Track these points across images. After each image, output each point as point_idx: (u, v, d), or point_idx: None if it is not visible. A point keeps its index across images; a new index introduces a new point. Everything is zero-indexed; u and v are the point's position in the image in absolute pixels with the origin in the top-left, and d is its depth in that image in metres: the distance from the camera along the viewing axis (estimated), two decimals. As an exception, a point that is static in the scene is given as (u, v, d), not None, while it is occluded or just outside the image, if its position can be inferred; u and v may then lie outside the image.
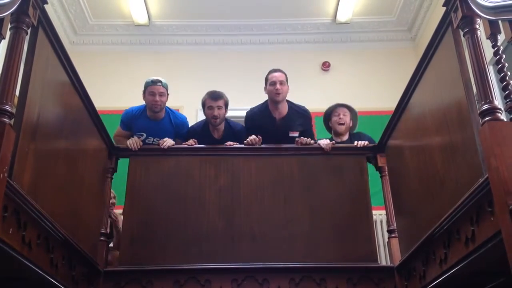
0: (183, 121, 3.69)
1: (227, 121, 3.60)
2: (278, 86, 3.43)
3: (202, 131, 3.57)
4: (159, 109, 3.49)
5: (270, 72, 3.56)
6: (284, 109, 3.55)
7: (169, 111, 3.61)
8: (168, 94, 3.52)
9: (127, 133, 3.60)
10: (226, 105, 3.48)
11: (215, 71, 5.83)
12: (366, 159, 3.33)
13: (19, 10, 1.85)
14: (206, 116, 3.52)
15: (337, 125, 3.65)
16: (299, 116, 3.58)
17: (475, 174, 1.87)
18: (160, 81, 3.47)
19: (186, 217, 3.08)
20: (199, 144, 3.40)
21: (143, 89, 3.50)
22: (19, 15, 1.87)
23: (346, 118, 3.65)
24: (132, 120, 3.59)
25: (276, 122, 3.54)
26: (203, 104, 3.48)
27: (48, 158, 2.22)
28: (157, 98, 3.43)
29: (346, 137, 3.67)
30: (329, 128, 3.78)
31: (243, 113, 3.73)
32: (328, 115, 3.74)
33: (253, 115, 3.62)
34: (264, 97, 3.58)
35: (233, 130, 3.58)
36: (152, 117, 3.53)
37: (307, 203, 3.13)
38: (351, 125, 3.71)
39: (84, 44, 6.03)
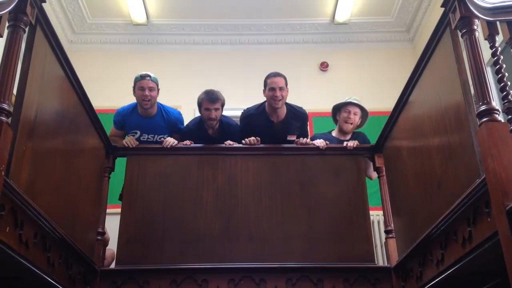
0: (177, 117, 3.67)
1: (221, 116, 3.56)
2: (277, 93, 3.35)
3: (197, 129, 3.54)
4: (149, 105, 3.46)
5: (270, 76, 3.45)
6: (282, 112, 3.49)
7: (161, 107, 3.58)
8: (158, 89, 3.49)
9: (122, 132, 3.61)
10: (223, 105, 3.44)
11: (213, 70, 5.82)
12: (363, 160, 3.34)
13: (17, 8, 1.85)
14: (202, 116, 3.48)
15: (344, 123, 3.58)
16: (297, 119, 3.53)
17: (473, 175, 1.87)
18: (149, 76, 3.43)
19: (183, 216, 3.08)
20: (194, 141, 3.39)
21: (132, 85, 3.48)
22: (17, 13, 1.87)
23: (355, 117, 3.57)
24: (125, 118, 3.57)
25: (274, 126, 3.49)
26: (200, 104, 3.42)
27: (46, 157, 2.22)
28: (147, 92, 3.40)
29: (349, 136, 3.62)
30: (336, 121, 3.70)
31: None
32: (338, 109, 3.64)
33: (249, 117, 3.55)
34: (263, 97, 3.56)
35: (228, 126, 3.56)
36: (144, 114, 3.51)
37: (305, 203, 3.14)
38: (359, 123, 3.64)
39: (82, 43, 6.01)
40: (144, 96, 3.41)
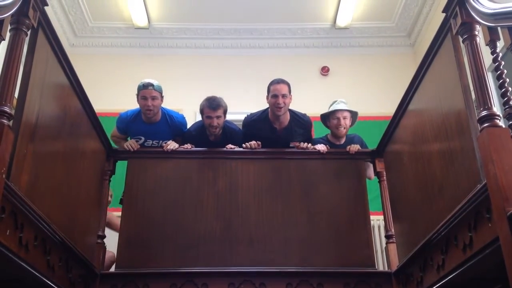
0: (181, 121, 3.63)
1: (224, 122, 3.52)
2: (280, 100, 3.31)
3: (198, 134, 3.51)
4: (152, 114, 3.42)
5: (273, 82, 3.41)
6: (285, 119, 3.46)
7: (165, 113, 3.55)
8: (162, 97, 3.44)
9: (124, 136, 3.59)
10: (225, 112, 3.39)
11: (215, 74, 5.83)
12: (364, 164, 3.34)
13: (19, 11, 1.86)
14: (204, 123, 3.44)
15: (337, 129, 3.51)
16: (300, 127, 3.50)
17: (473, 180, 1.87)
18: (152, 85, 3.36)
19: (184, 220, 3.08)
20: (195, 145, 3.37)
21: (136, 91, 3.45)
22: (19, 16, 1.88)
23: (346, 121, 3.49)
24: (128, 125, 3.54)
25: (277, 133, 3.46)
26: (201, 111, 3.39)
27: (46, 160, 2.22)
28: (149, 102, 3.35)
29: (344, 140, 3.58)
30: (327, 126, 3.65)
31: (242, 117, 3.69)
32: (327, 117, 3.58)
33: (252, 123, 3.52)
34: (264, 102, 3.56)
35: (230, 132, 3.52)
36: (147, 121, 3.48)
37: (305, 208, 3.13)
38: (350, 125, 3.57)
39: (84, 47, 6.02)
40: (146, 106, 3.36)
